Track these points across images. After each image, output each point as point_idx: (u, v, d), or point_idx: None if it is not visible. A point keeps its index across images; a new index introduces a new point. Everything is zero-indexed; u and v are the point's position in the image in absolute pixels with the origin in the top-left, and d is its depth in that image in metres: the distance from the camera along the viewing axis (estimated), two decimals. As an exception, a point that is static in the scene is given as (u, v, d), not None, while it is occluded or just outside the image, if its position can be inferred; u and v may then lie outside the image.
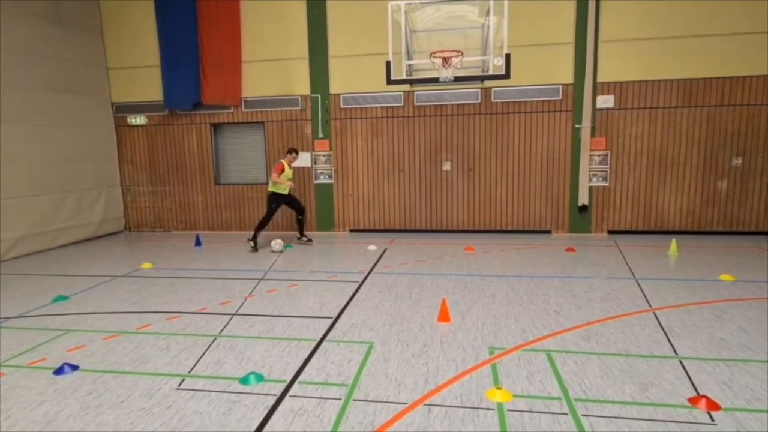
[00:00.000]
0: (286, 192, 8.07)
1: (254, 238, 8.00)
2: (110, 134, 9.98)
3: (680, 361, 3.64)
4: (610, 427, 2.81)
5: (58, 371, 3.65)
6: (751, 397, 3.11)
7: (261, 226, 8.08)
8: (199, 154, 9.95)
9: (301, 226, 8.48)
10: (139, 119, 9.99)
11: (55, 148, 8.56)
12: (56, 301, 5.46)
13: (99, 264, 7.34)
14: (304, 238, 8.54)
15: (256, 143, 9.87)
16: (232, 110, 9.65)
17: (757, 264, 6.52)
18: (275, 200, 8.00)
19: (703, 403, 2.99)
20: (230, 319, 4.76)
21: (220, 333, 4.41)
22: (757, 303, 4.92)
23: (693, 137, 8.44)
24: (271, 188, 7.98)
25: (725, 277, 5.85)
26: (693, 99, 8.33)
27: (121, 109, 10.00)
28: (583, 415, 2.92)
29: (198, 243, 8.65)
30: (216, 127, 9.93)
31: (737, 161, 8.38)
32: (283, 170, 7.85)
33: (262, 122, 9.65)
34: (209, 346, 4.11)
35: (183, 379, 3.52)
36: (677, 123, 8.45)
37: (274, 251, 7.82)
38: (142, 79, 9.79)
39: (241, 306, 5.16)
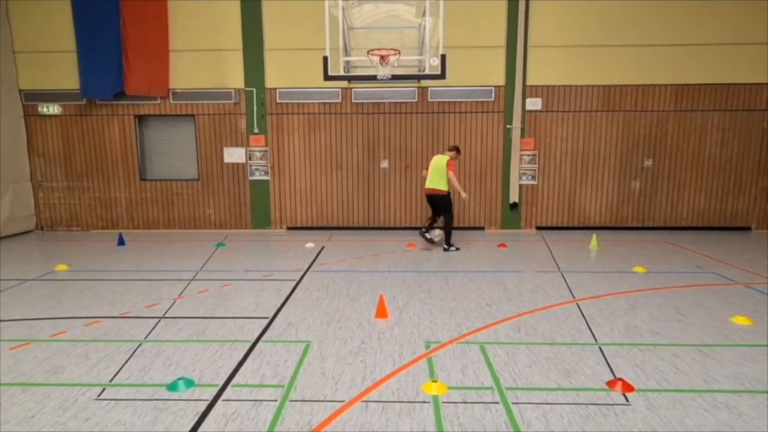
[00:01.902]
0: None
1: (450, 244, 7.46)
2: (18, 124, 9.08)
3: (599, 348, 3.91)
4: (537, 412, 2.96)
5: (-46, 387, 3.27)
6: (660, 378, 3.40)
7: (449, 228, 7.48)
8: (122, 147, 9.30)
9: (430, 227, 7.77)
10: (52, 108, 9.17)
11: (-50, 137, 7.67)
12: (-48, 309, 4.89)
13: (5, 267, 6.66)
14: (429, 236, 7.77)
15: (185, 137, 9.39)
16: (158, 101, 9.11)
17: (665, 257, 7.15)
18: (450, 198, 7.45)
19: (619, 385, 3.23)
20: (157, 323, 4.49)
21: (145, 338, 4.16)
22: (664, 292, 5.40)
23: (611, 140, 9.10)
24: (445, 187, 7.30)
25: (638, 269, 6.37)
26: (611, 104, 8.98)
27: (31, 97, 9.13)
28: (513, 403, 3.06)
29: (121, 242, 8.10)
30: (141, 118, 9.33)
31: (648, 162, 9.14)
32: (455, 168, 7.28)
33: (193, 115, 9.20)
34: (134, 353, 3.85)
35: (103, 389, 3.28)
36: (597, 126, 9.07)
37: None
38: (56, 64, 8.99)
39: (169, 308, 4.89)
